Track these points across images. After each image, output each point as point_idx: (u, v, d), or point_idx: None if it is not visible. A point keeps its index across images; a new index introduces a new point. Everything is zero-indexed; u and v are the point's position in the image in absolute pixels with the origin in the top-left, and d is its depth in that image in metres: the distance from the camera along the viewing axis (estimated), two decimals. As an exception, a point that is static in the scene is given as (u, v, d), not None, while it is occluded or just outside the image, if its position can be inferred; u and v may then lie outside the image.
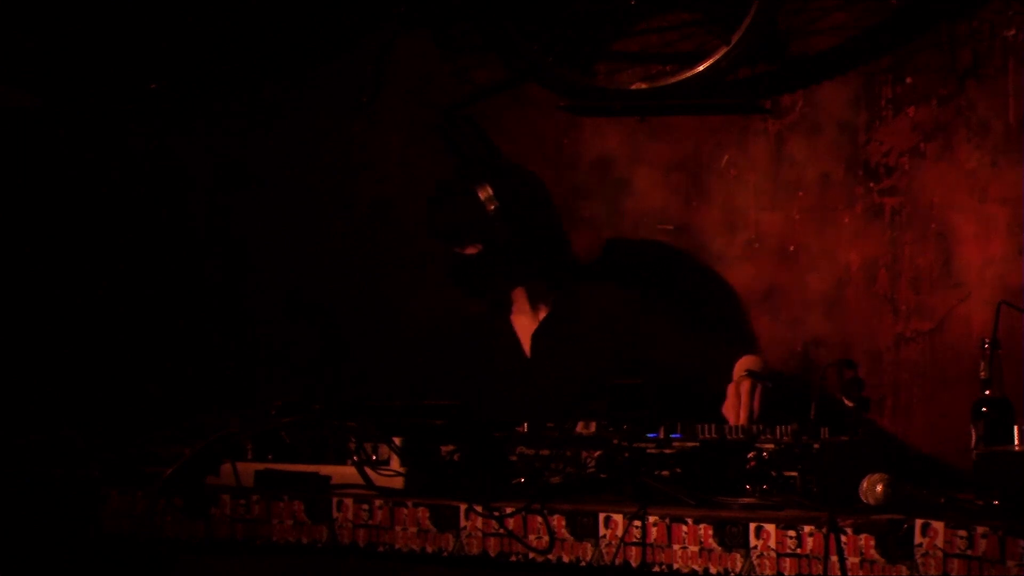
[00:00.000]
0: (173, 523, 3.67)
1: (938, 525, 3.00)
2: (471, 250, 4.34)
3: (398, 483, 3.56)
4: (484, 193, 4.31)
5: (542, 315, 4.40)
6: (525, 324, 4.40)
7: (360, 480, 3.58)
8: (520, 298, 4.40)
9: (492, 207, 4.31)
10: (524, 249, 4.33)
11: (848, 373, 3.67)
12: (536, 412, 3.74)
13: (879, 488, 3.22)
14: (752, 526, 3.17)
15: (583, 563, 3.32)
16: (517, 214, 4.32)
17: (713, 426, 3.53)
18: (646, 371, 4.20)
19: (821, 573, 3.09)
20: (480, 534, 3.41)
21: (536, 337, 4.39)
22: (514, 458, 3.62)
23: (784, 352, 4.58)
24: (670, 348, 4.27)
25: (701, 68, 4.47)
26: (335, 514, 3.55)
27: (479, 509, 3.42)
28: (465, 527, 3.43)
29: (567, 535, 3.34)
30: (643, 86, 4.63)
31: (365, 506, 3.53)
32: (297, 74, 5.11)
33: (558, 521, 3.35)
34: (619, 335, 4.31)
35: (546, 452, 3.58)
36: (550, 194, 4.46)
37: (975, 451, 3.48)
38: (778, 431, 3.45)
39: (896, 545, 3.04)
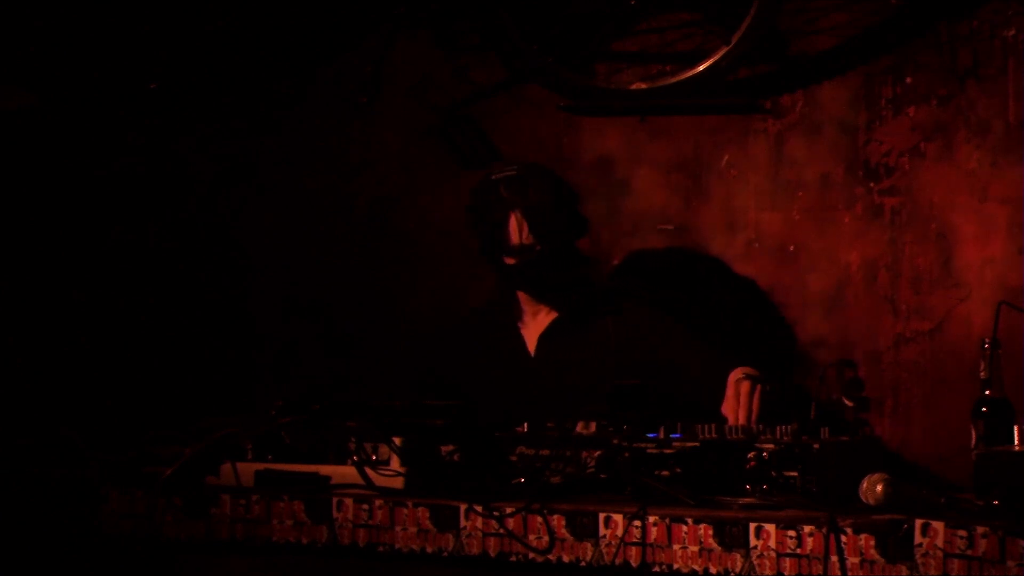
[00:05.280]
0: (173, 523, 3.67)
1: (938, 525, 3.00)
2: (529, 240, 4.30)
3: (398, 483, 3.56)
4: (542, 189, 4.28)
5: (551, 317, 4.38)
6: (532, 325, 4.39)
7: (360, 480, 3.58)
8: (530, 299, 4.38)
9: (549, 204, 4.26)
10: (563, 247, 4.31)
11: (848, 373, 3.67)
12: (538, 413, 3.73)
13: (879, 488, 3.22)
14: (752, 526, 3.17)
15: (583, 563, 3.32)
16: (570, 214, 4.31)
17: (713, 426, 3.53)
18: (650, 378, 4.15)
19: (821, 573, 3.09)
20: (480, 534, 3.41)
21: (543, 338, 4.37)
22: (514, 458, 3.62)
23: (784, 352, 4.59)
24: (677, 358, 4.24)
25: (701, 68, 4.48)
26: (335, 514, 3.55)
27: (479, 509, 3.42)
28: (465, 527, 3.43)
29: (567, 535, 3.34)
30: (643, 86, 4.64)
31: (365, 506, 3.53)
32: (297, 74, 5.11)
33: (558, 521, 3.35)
34: (627, 343, 4.29)
35: (546, 452, 3.58)
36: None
37: (975, 451, 3.48)
38: (778, 431, 3.45)
39: (896, 545, 3.04)
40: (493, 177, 4.31)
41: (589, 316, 4.34)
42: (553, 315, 4.37)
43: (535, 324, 4.38)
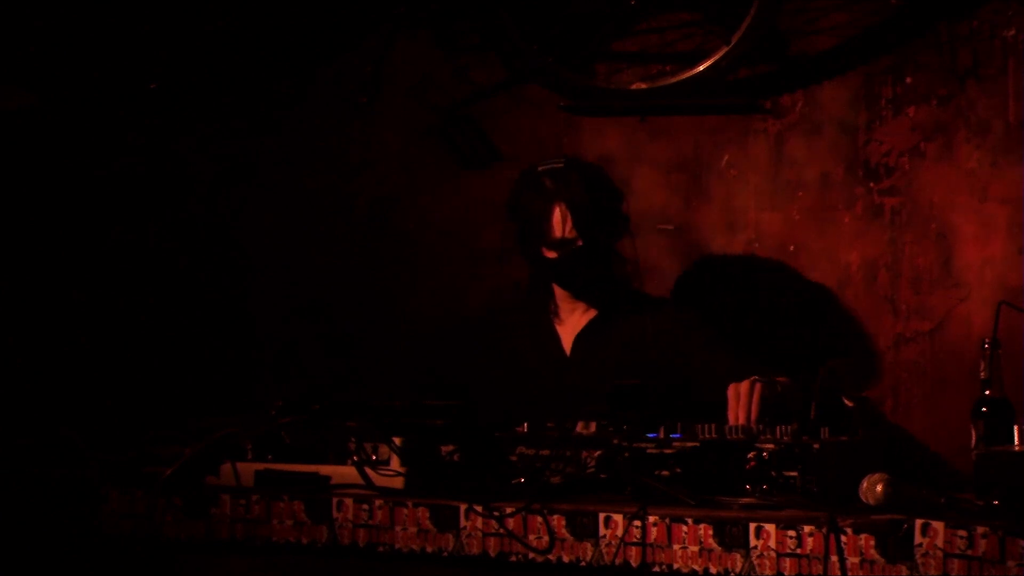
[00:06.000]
0: (173, 523, 3.67)
1: (938, 525, 3.00)
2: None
3: (398, 483, 3.57)
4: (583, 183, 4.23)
5: (588, 316, 4.33)
6: (569, 323, 4.34)
7: (360, 480, 3.58)
8: (567, 296, 4.36)
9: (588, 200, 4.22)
10: (605, 244, 4.28)
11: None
12: (572, 412, 3.69)
13: (879, 488, 3.22)
14: (752, 526, 3.17)
15: (583, 563, 3.32)
16: (613, 211, 4.29)
17: (713, 426, 3.52)
18: (685, 381, 4.13)
19: (821, 573, 3.09)
20: (480, 534, 3.42)
21: (580, 337, 4.32)
22: (514, 458, 3.62)
23: (784, 352, 4.59)
24: (712, 361, 4.20)
25: (701, 68, 4.48)
26: (335, 514, 3.55)
27: (479, 509, 3.42)
28: (465, 527, 3.43)
29: (567, 535, 3.34)
30: (643, 86, 4.64)
31: (365, 506, 3.53)
32: (297, 74, 5.11)
33: (558, 521, 3.35)
34: (663, 345, 4.25)
35: (546, 452, 3.58)
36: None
37: (975, 451, 3.48)
38: (778, 431, 3.45)
39: (896, 545, 3.04)
40: (539, 169, 4.29)
41: (627, 316, 4.32)
42: (590, 314, 4.33)
43: (571, 322, 4.34)
